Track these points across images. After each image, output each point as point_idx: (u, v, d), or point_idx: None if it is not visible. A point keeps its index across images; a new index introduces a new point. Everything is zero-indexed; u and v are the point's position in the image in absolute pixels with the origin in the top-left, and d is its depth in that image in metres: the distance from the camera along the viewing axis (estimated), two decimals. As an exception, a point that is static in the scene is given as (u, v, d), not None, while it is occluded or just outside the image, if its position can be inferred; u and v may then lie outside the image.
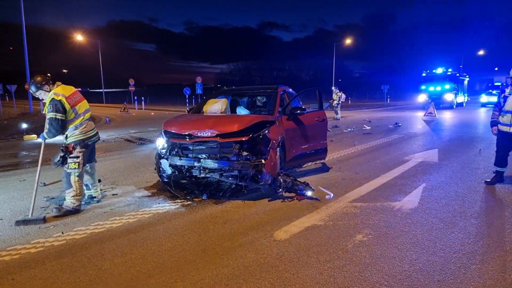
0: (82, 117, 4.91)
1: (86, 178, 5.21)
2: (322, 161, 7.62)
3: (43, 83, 4.89)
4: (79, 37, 41.49)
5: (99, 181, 5.59)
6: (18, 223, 4.44)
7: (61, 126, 4.77)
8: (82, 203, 5.04)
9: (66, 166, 4.84)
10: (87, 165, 5.14)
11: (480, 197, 5.34)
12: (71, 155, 4.83)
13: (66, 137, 4.90)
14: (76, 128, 4.86)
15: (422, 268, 3.19)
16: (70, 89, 4.94)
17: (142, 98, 39.21)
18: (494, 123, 6.09)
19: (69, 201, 4.82)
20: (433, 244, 3.70)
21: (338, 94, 21.14)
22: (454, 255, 3.45)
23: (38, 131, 15.36)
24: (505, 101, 5.90)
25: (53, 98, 4.72)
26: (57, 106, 4.70)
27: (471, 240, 3.81)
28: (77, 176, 4.84)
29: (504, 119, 5.88)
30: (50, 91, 4.84)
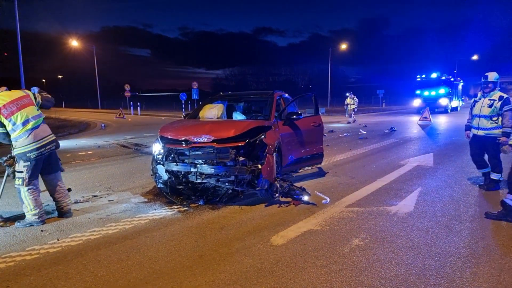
0: (21, 128, 4.40)
1: (49, 191, 4.89)
2: (319, 165, 7.64)
3: None
4: (74, 43, 41.46)
5: (69, 190, 5.10)
6: None
7: (2, 138, 4.52)
8: (46, 213, 4.86)
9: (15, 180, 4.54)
10: (48, 176, 4.82)
11: (475, 200, 5.37)
12: (16, 170, 4.53)
13: (14, 150, 4.52)
14: (16, 140, 4.43)
15: (418, 272, 3.21)
16: (9, 97, 4.45)
17: (138, 103, 39.14)
18: (467, 127, 6.38)
19: (28, 216, 4.56)
20: (429, 248, 3.71)
21: (354, 99, 22.26)
22: (450, 259, 3.46)
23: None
24: (474, 105, 6.15)
25: None
26: None
27: (466, 243, 3.83)
28: (27, 191, 4.50)
29: (473, 122, 6.14)
30: None
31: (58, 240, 4.13)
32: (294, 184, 5.62)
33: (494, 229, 4.25)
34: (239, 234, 4.20)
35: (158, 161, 5.60)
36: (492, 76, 5.97)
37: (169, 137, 5.64)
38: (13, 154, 4.54)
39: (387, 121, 22.41)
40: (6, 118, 4.37)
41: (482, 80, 6.01)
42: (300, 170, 7.23)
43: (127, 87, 40.00)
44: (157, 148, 5.75)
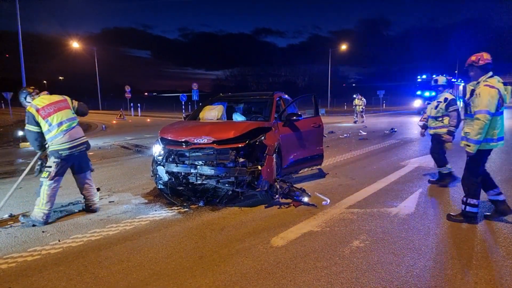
0: (56, 129, 4.75)
1: (80, 188, 5.21)
2: (319, 167, 7.64)
3: (25, 96, 4.95)
4: (75, 44, 41.48)
5: (98, 189, 5.48)
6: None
7: (33, 138, 4.83)
8: (54, 213, 5.02)
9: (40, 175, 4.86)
10: (78, 174, 5.12)
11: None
12: (45, 165, 4.84)
13: (49, 147, 4.87)
14: (51, 139, 4.77)
15: (419, 274, 3.21)
16: (48, 100, 4.86)
17: (138, 104, 39.18)
18: (424, 126, 7.08)
19: (36, 211, 4.71)
20: (430, 250, 3.71)
21: (362, 99, 23.01)
22: (451, 261, 3.46)
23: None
24: (426, 107, 6.76)
25: (27, 110, 4.76)
26: (29, 118, 4.73)
27: (467, 245, 3.83)
28: (47, 185, 4.73)
29: (429, 122, 6.71)
30: (31, 102, 4.83)
31: (59, 241, 4.14)
32: (294, 185, 5.63)
33: (495, 230, 4.25)
34: (239, 235, 4.20)
35: (159, 162, 5.60)
36: (441, 80, 6.54)
37: (169, 138, 5.64)
38: (47, 151, 4.89)
39: (387, 121, 22.41)
40: (43, 118, 4.73)
41: (433, 83, 6.58)
42: (300, 172, 7.23)
43: (127, 88, 40.03)
44: (157, 149, 5.75)
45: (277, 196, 5.39)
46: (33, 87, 5.09)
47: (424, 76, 30.99)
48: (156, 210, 5.22)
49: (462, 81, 35.51)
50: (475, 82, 4.39)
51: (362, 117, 22.94)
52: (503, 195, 4.55)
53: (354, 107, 23.59)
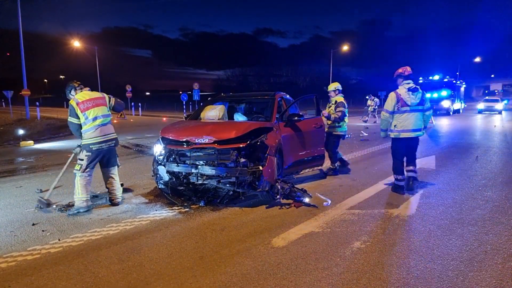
0: (91, 123, 5.12)
1: (105, 181, 5.52)
2: (320, 167, 7.63)
3: (70, 89, 5.32)
4: (76, 44, 41.50)
5: (122, 185, 5.77)
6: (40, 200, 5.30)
7: (75, 129, 5.21)
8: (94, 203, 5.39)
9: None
10: (105, 168, 5.43)
11: (477, 204, 5.35)
12: (78, 157, 5.19)
13: (82, 140, 5.26)
14: (85, 132, 5.15)
15: (419, 276, 3.19)
16: (88, 95, 5.22)
17: (140, 104, 39.18)
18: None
19: (76, 201, 5.09)
20: (431, 251, 3.70)
21: (375, 100, 24.39)
22: (452, 262, 3.45)
23: (35, 137, 15.32)
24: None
25: (70, 103, 5.16)
26: (71, 110, 5.13)
27: (468, 247, 3.81)
28: (80, 177, 5.08)
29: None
30: (74, 96, 5.22)
31: (59, 240, 4.13)
32: (295, 186, 5.61)
33: (496, 232, 4.23)
34: (240, 236, 4.19)
35: (159, 162, 5.59)
36: (330, 87, 7.60)
37: (170, 138, 5.64)
38: (81, 144, 5.25)
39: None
40: (81, 111, 5.09)
41: (325, 88, 7.41)
42: (301, 172, 7.22)
43: (128, 87, 40.03)
44: (158, 149, 5.75)
45: (278, 196, 5.38)
46: (78, 82, 5.41)
47: (430, 77, 30.99)
48: (156, 210, 5.21)
49: (464, 83, 35.51)
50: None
51: (374, 117, 23.87)
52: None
53: (366, 107, 24.95)
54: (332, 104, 7.45)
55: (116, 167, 5.55)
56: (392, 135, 5.99)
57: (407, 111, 5.81)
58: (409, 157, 6.06)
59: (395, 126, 5.91)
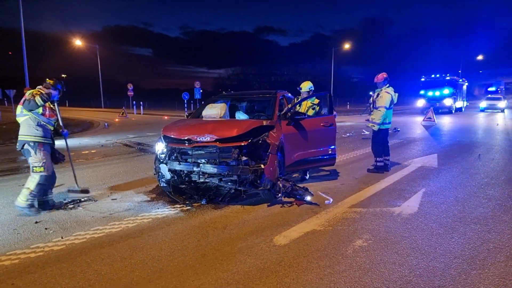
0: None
1: None
2: (331, 168, 7.47)
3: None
4: (77, 42, 41.57)
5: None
6: (70, 191, 5.76)
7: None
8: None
9: None
10: None
11: (480, 202, 5.34)
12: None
13: None
14: None
15: (422, 274, 3.19)
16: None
17: (141, 102, 39.22)
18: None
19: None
20: (433, 250, 3.70)
21: None
22: (455, 261, 3.45)
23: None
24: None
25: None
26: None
27: (471, 245, 3.81)
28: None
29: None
30: None
31: (62, 238, 4.14)
32: (297, 184, 5.61)
33: (499, 231, 4.22)
34: (241, 234, 4.20)
35: (161, 160, 5.60)
36: (304, 87, 7.68)
37: (172, 136, 5.64)
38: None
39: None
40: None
41: (298, 88, 7.80)
42: (308, 170, 7.07)
43: (129, 86, 40.08)
44: (160, 147, 5.75)
45: (279, 194, 5.38)
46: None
47: (433, 75, 30.90)
48: (158, 208, 5.22)
49: (466, 81, 35.40)
50: (379, 89, 7.53)
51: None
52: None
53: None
54: (315, 105, 7.45)
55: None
56: (383, 127, 7.55)
57: (392, 107, 7.48)
58: (385, 144, 7.71)
59: (385, 119, 7.44)
